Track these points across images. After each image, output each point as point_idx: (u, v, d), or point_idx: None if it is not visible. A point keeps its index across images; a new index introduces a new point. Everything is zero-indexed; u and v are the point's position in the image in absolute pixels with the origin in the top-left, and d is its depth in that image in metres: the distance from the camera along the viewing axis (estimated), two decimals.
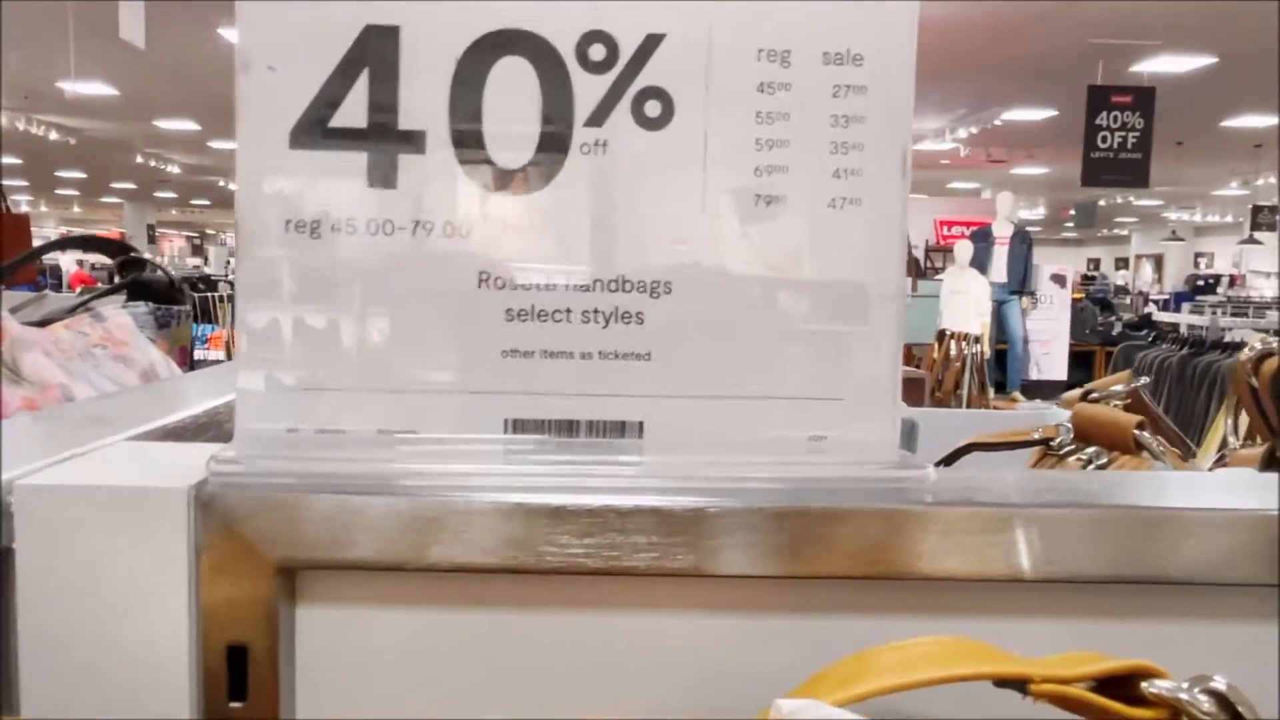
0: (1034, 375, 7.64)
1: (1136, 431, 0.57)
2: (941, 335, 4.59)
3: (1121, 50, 6.44)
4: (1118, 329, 8.36)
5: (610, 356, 0.41)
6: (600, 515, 0.36)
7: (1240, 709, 0.31)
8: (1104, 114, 6.65)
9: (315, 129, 0.39)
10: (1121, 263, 20.00)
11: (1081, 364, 8.06)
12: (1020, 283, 7.22)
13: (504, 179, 0.40)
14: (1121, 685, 0.32)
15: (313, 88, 0.39)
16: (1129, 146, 6.69)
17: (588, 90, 0.40)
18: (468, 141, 0.39)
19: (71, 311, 0.77)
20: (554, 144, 0.40)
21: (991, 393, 5.30)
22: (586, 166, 0.40)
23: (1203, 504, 0.39)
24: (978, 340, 4.49)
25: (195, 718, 0.35)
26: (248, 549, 0.35)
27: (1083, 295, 9.73)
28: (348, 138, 0.39)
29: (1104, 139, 6.69)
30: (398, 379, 0.40)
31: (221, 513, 0.35)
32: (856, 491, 0.39)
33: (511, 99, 0.40)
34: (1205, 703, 0.31)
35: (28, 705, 0.34)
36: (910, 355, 4.80)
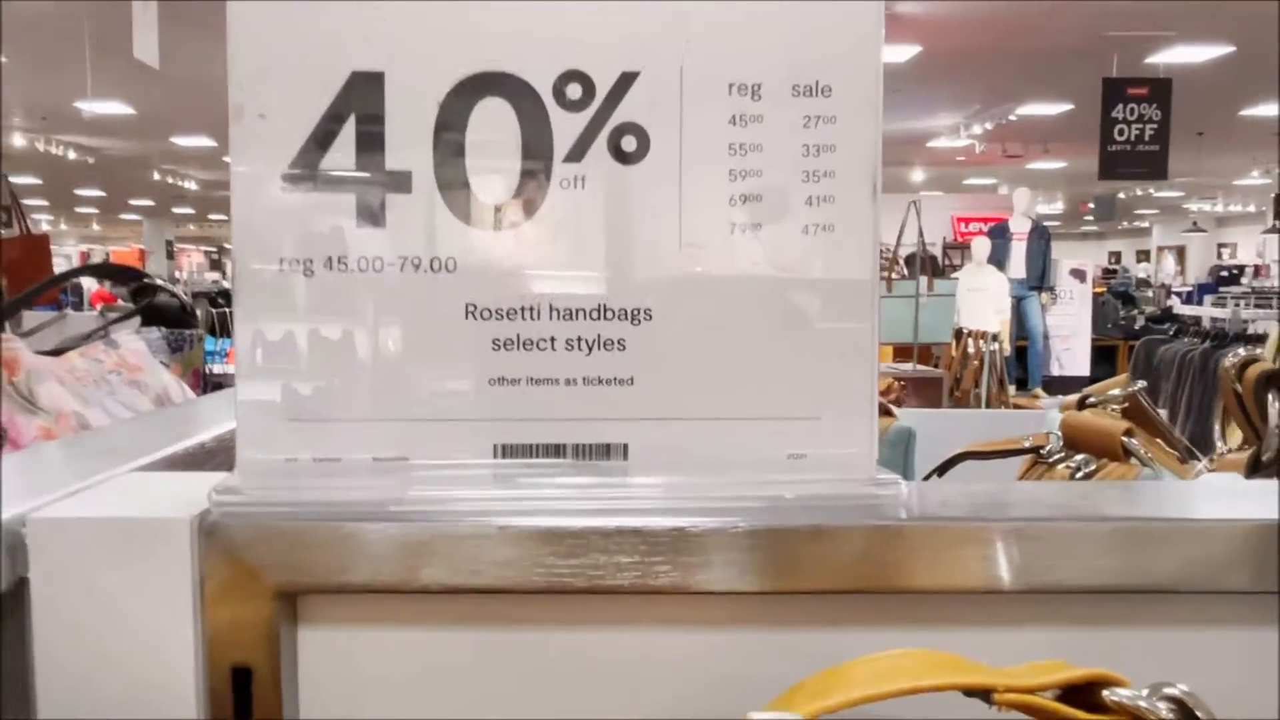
0: (1055, 371, 7.60)
1: (1124, 439, 0.58)
2: (959, 334, 4.58)
3: (1136, 42, 6.41)
4: (1140, 323, 8.31)
5: (594, 382, 0.42)
6: (584, 537, 0.38)
7: (1199, 714, 0.32)
8: (1120, 106, 6.61)
9: (306, 172, 0.41)
10: (1143, 255, 19.85)
11: (1104, 359, 8.00)
12: (1039, 278, 7.18)
13: (487, 215, 0.42)
14: (1083, 693, 0.33)
15: (303, 132, 0.41)
16: (1146, 138, 6.64)
17: (566, 128, 0.42)
18: (452, 180, 0.41)
19: (87, 338, 0.79)
20: (535, 180, 0.42)
21: (1012, 390, 5.28)
22: (566, 201, 0.42)
23: (1171, 513, 0.40)
24: (996, 338, 4.48)
25: None
26: (249, 575, 0.37)
27: (1104, 289, 9.67)
28: (337, 179, 0.41)
29: (1121, 131, 6.65)
30: (390, 408, 0.41)
31: (223, 541, 0.37)
32: (833, 509, 0.40)
33: (493, 138, 0.41)
34: (1164, 709, 0.32)
35: None
36: (929, 354, 4.79)
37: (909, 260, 6.32)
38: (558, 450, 0.42)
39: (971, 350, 4.45)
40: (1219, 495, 0.43)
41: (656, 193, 0.42)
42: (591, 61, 0.41)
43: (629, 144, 0.42)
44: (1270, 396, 0.54)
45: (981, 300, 5.97)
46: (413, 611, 0.39)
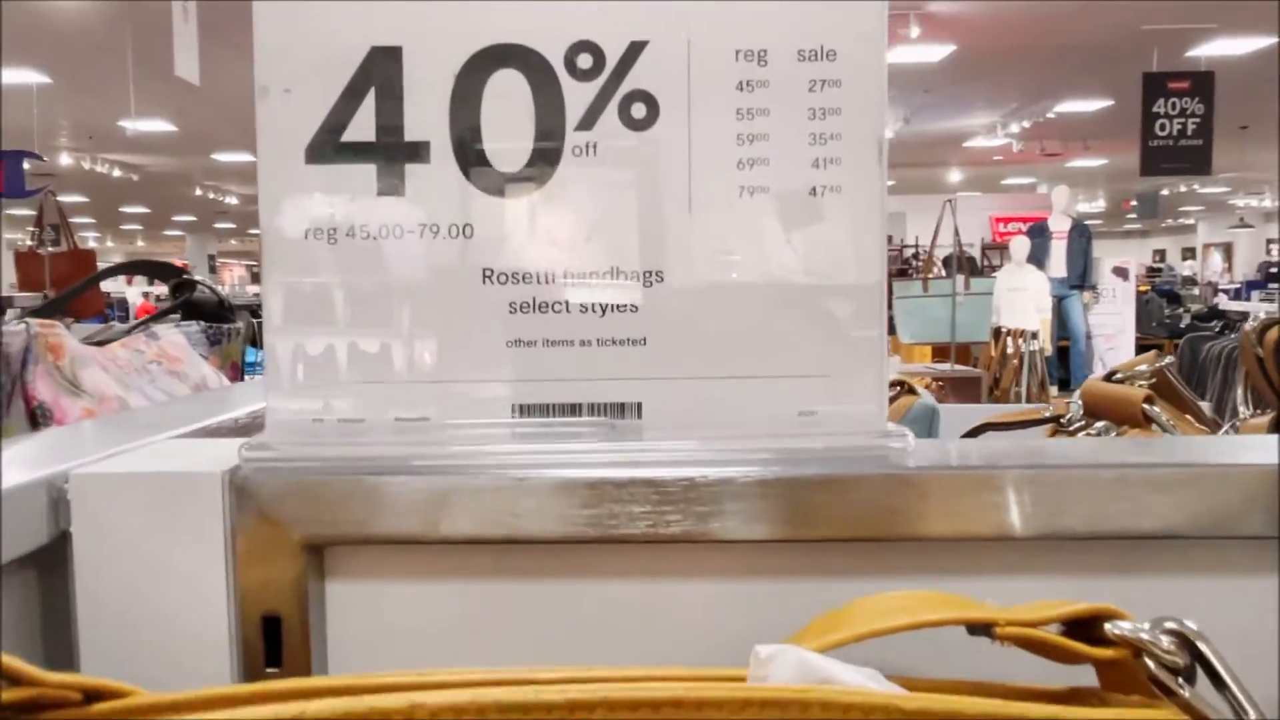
0: (1099, 371, 7.49)
1: (1145, 406, 0.58)
2: (997, 333, 4.54)
3: (1176, 36, 6.32)
4: (1185, 321, 8.17)
5: (608, 343, 0.43)
6: (599, 488, 0.39)
7: (1201, 647, 0.32)
8: (1161, 101, 6.52)
9: (328, 145, 0.42)
10: (1188, 253, 19.50)
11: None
12: (1080, 277, 7.09)
13: (503, 182, 0.43)
14: (1085, 628, 0.34)
15: (325, 107, 0.42)
16: (1189, 133, 6.54)
17: (577, 97, 0.43)
18: (468, 149, 0.43)
19: (128, 332, 0.82)
20: (548, 148, 0.43)
21: (1054, 391, 5.21)
22: (579, 168, 0.43)
23: (1178, 459, 0.40)
24: (1035, 336, 4.43)
25: (235, 682, 0.39)
26: (277, 528, 0.39)
27: (1148, 288, 9.51)
28: (358, 151, 0.42)
29: (1162, 127, 6.55)
30: (412, 370, 0.43)
31: (253, 494, 0.39)
32: (843, 459, 0.41)
33: (507, 108, 0.43)
34: (1165, 641, 0.32)
35: (86, 671, 0.38)
36: (967, 354, 4.75)
37: (946, 261, 6.27)
38: (574, 409, 0.43)
39: (1010, 349, 4.41)
40: (1227, 445, 0.43)
41: (666, 158, 0.43)
42: (601, 32, 0.43)
43: (639, 111, 0.43)
44: None
45: (1022, 299, 5.91)
46: (435, 564, 0.41)
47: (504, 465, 0.40)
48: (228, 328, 0.90)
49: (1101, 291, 7.70)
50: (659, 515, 0.39)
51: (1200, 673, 0.32)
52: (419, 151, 0.43)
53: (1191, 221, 19.67)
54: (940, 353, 4.46)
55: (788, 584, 0.41)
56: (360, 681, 0.29)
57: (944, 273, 5.29)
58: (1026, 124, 9.53)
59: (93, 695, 0.28)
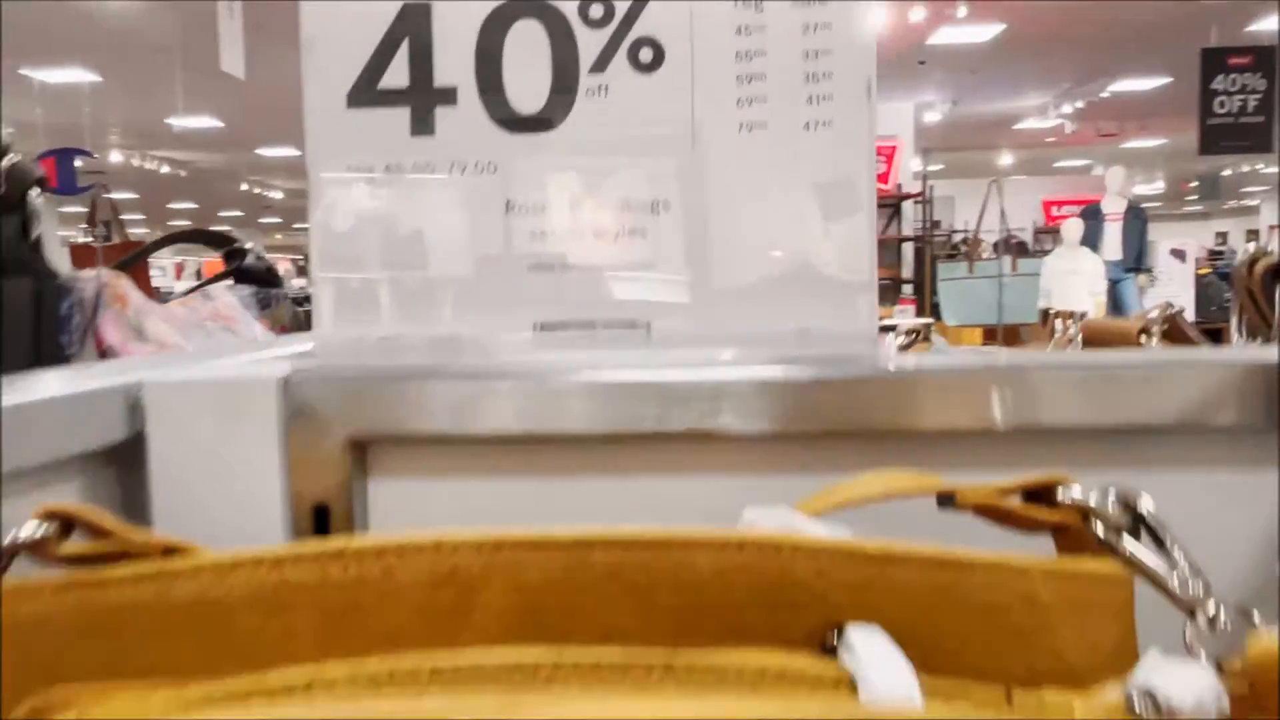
0: None
1: (1141, 335, 0.61)
2: (1045, 315, 4.50)
3: (1235, 10, 6.19)
4: None
5: (620, 266, 0.48)
6: (612, 388, 0.44)
7: (1142, 510, 0.36)
8: (1220, 77, 6.37)
9: (367, 91, 0.47)
10: (1252, 235, 19.02)
11: (1210, 341, 7.73)
12: (1136, 260, 6.97)
13: (524, 122, 0.47)
14: (1042, 497, 0.37)
15: (363, 58, 0.47)
16: (1250, 110, 6.38)
17: (590, 43, 0.47)
18: (492, 93, 0.47)
19: (185, 294, 0.88)
20: (564, 90, 0.47)
21: None
22: (592, 107, 0.47)
23: (1158, 358, 0.44)
24: (1083, 317, 4.39)
25: None
26: (324, 426, 0.44)
27: (1209, 270, 9.32)
28: (393, 96, 0.47)
29: (1221, 104, 6.40)
30: (443, 294, 0.48)
31: (303, 397, 0.44)
32: (834, 364, 0.45)
33: (526, 55, 0.47)
34: (1111, 504, 0.36)
35: None
36: (1017, 336, 4.72)
37: (996, 246, 6.21)
38: (589, 326, 0.48)
39: (1059, 331, 4.37)
40: (1200, 351, 0.46)
41: (671, 97, 0.47)
42: None
43: (646, 55, 0.47)
44: (1278, 287, 0.56)
45: (1075, 282, 5.83)
46: (465, 461, 0.45)
47: (526, 371, 0.45)
48: (276, 293, 0.96)
49: (1158, 274, 7.56)
50: (665, 415, 0.43)
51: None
52: (448, 96, 0.47)
53: (1255, 202, 19.18)
54: (990, 335, 4.44)
55: (784, 478, 0.45)
56: (402, 539, 0.33)
57: (993, 255, 5.24)
58: (1080, 104, 9.37)
59: (168, 550, 0.33)
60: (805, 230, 0.48)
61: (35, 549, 0.32)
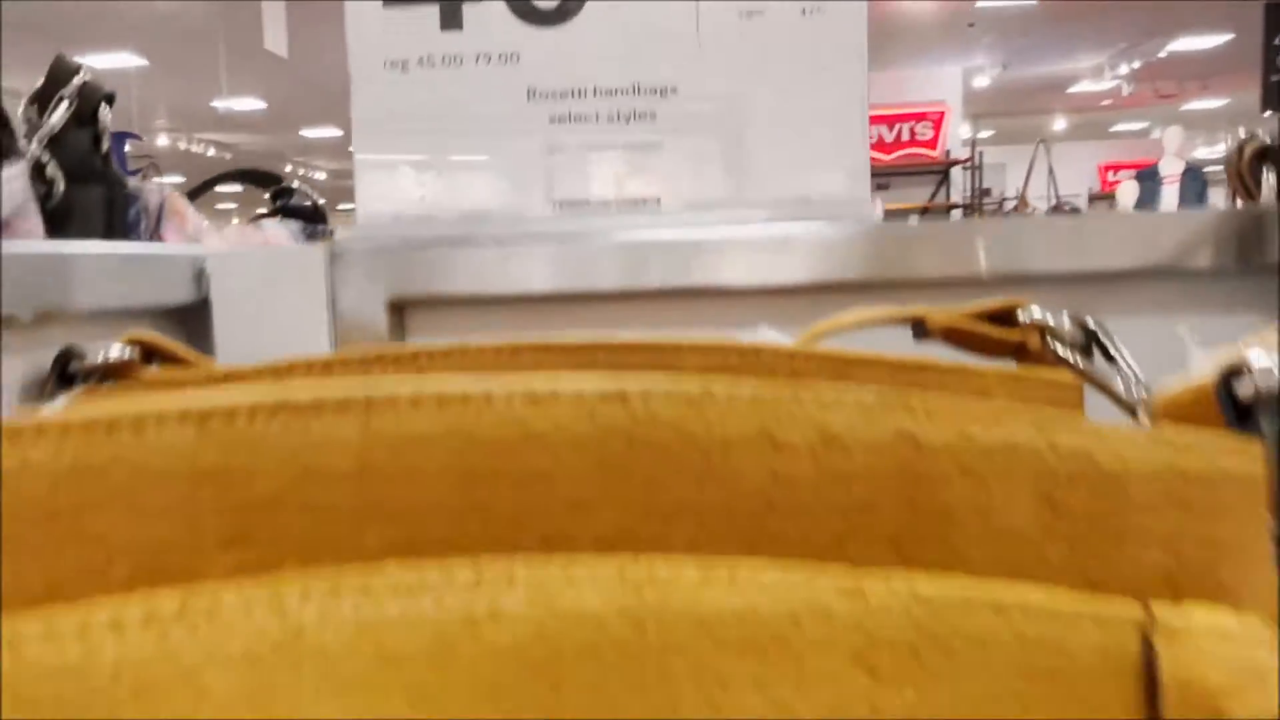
0: None
1: None
2: None
3: None
4: None
5: (632, 147, 0.52)
6: (627, 248, 0.48)
7: (1093, 327, 0.39)
8: None
9: None
10: None
11: None
12: None
13: (543, 15, 0.52)
14: (1005, 320, 0.41)
15: None
16: None
17: None
18: None
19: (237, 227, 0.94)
20: None
21: None
22: (605, 1, 0.52)
23: (1130, 215, 0.47)
24: None
25: None
26: (367, 290, 0.49)
27: None
28: None
29: None
30: (472, 173, 0.52)
31: (347, 263, 0.49)
32: (830, 221, 0.49)
33: None
34: (1067, 323, 0.40)
35: None
36: None
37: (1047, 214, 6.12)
38: (604, 203, 0.52)
39: None
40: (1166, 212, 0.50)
41: None
42: None
43: None
44: (1264, 168, 0.59)
45: None
46: (496, 320, 0.50)
47: (550, 236, 0.49)
48: (322, 228, 1.01)
49: None
50: (674, 270, 0.48)
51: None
52: None
53: None
54: None
55: (787, 329, 0.49)
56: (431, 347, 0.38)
57: None
58: (1137, 65, 9.14)
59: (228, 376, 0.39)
60: (802, 104, 0.52)
61: (120, 370, 0.38)
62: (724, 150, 0.52)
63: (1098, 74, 9.76)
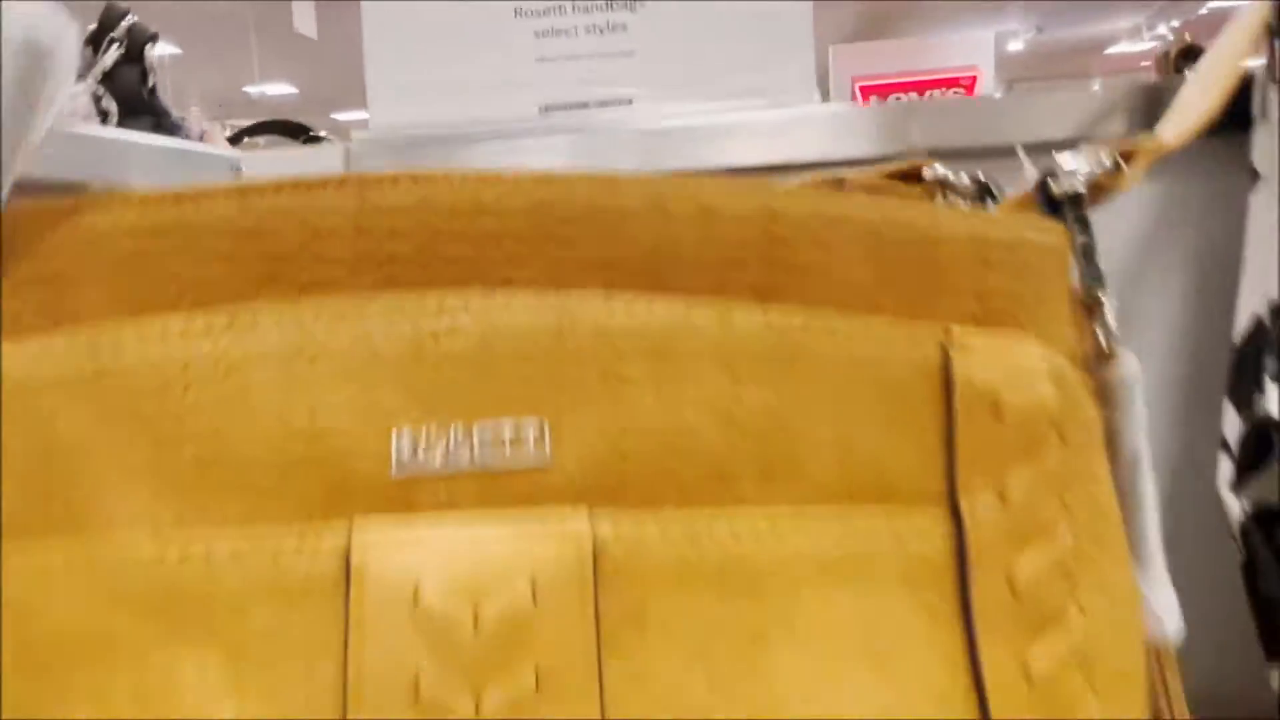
0: None
1: None
2: None
3: None
4: None
5: (608, 55, 0.59)
6: (600, 133, 0.55)
7: (987, 183, 0.46)
8: None
9: None
10: None
11: None
12: None
13: None
14: (913, 178, 0.48)
15: None
16: None
17: None
18: None
19: None
20: None
21: None
22: None
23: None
24: None
25: None
26: None
27: None
28: None
29: None
30: (466, 85, 0.60)
31: (360, 155, 0.57)
32: (782, 109, 0.56)
33: None
34: (965, 179, 0.46)
35: None
36: None
37: None
38: (584, 105, 0.60)
39: None
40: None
41: None
42: None
43: None
44: (1185, 66, 0.65)
45: None
46: None
47: (543, 130, 0.57)
48: None
49: None
50: (647, 156, 0.55)
51: None
52: None
53: None
54: None
55: None
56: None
57: None
58: (1176, 23, 9.00)
59: None
60: (757, 17, 0.58)
61: None
62: (686, 53, 0.59)
63: (1135, 34, 9.62)
